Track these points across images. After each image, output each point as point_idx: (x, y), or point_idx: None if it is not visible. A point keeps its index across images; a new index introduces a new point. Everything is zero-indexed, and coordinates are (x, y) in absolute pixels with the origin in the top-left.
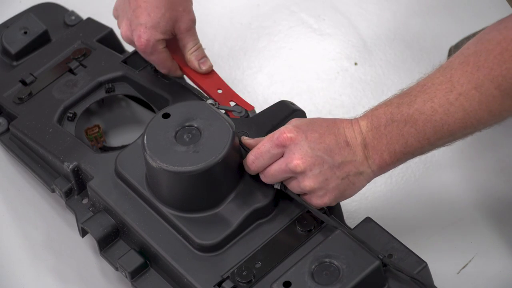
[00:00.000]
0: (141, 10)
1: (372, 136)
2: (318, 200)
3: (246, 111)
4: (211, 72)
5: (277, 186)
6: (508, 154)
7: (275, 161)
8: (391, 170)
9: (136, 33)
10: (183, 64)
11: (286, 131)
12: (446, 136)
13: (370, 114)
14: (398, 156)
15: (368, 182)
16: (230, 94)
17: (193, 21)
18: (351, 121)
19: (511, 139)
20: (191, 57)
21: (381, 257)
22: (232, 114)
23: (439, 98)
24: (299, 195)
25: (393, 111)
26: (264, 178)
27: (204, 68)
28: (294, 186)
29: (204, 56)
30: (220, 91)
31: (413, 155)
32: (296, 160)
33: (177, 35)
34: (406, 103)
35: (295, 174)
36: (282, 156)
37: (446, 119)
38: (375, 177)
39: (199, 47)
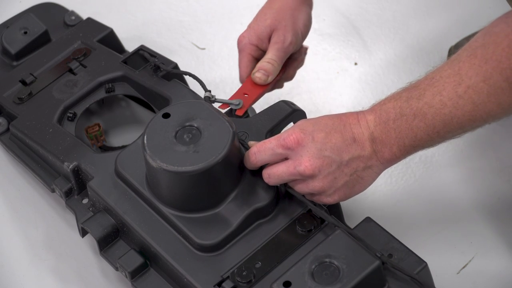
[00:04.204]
0: (255, 16)
1: (380, 131)
2: (328, 199)
3: (243, 104)
4: (260, 85)
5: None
6: (508, 154)
7: (279, 162)
8: (391, 170)
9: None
10: None
11: (292, 133)
12: (455, 129)
13: (378, 108)
14: (407, 149)
15: (378, 175)
16: (247, 101)
17: (285, 39)
18: (357, 117)
19: (511, 139)
20: (259, 63)
21: (379, 255)
22: (225, 105)
23: (448, 91)
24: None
25: (402, 105)
26: (269, 179)
27: (255, 74)
28: (301, 188)
29: (267, 70)
30: (246, 96)
31: (422, 147)
32: (305, 163)
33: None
34: (415, 97)
35: (303, 177)
36: (285, 158)
37: (455, 112)
38: (384, 169)
39: (272, 63)
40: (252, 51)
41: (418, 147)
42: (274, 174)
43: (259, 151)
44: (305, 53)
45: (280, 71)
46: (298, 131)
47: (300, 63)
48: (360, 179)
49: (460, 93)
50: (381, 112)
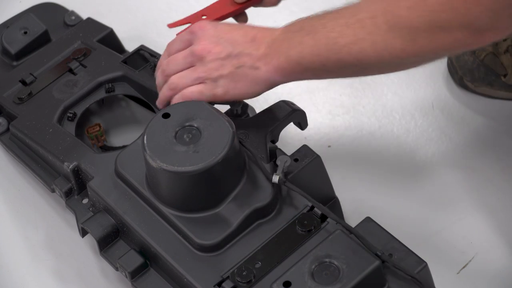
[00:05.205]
0: None
1: (281, 39)
2: (212, 88)
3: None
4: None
5: (275, 180)
6: (508, 154)
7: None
8: (390, 170)
9: None
10: None
11: (201, 21)
12: (333, 59)
13: (291, 22)
14: (292, 64)
15: (264, 84)
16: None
17: None
18: (270, 28)
19: (511, 139)
20: None
21: (379, 254)
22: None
23: (343, 20)
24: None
25: (305, 21)
26: (167, 66)
27: None
28: (189, 75)
29: None
30: (204, 17)
31: (306, 70)
32: (200, 44)
33: None
34: (318, 17)
35: (194, 60)
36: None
37: (339, 39)
38: (272, 80)
39: None
40: None
41: (301, 66)
42: (171, 60)
43: (168, 44)
44: None
45: None
46: (204, 19)
47: None
48: (245, 76)
49: (350, 23)
50: (290, 24)
